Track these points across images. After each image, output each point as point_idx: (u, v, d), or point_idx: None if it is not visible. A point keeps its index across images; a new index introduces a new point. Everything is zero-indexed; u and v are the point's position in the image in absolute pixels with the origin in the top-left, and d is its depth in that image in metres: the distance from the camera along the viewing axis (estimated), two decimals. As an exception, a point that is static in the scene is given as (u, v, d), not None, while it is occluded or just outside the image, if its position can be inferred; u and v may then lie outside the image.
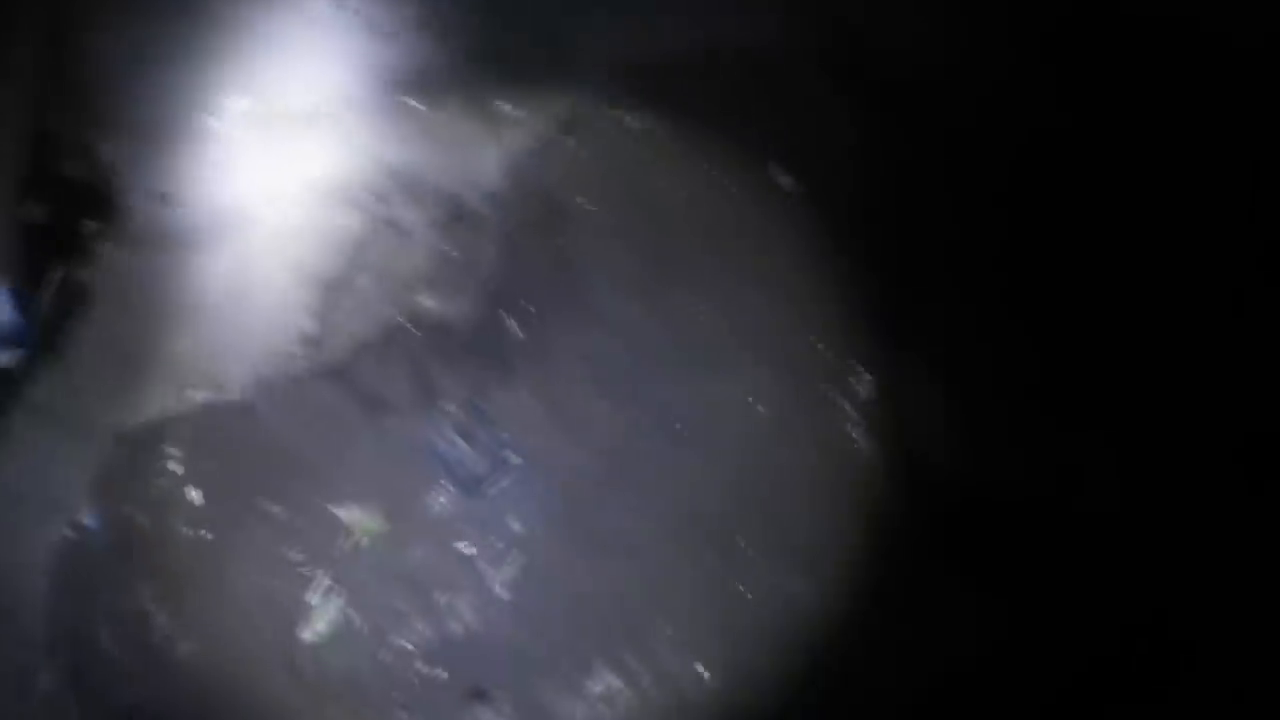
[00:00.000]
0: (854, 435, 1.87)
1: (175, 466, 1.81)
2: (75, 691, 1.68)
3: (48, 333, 1.92)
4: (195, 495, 1.78)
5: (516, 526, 1.78)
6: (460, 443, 1.82)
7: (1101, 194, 1.80)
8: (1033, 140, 1.89)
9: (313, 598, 1.72)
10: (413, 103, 2.13)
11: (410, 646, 1.71)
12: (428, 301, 1.96)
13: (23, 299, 1.88)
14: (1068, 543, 1.74)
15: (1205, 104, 1.67)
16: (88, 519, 1.77)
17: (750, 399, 1.90)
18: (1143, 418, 1.71)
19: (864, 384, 1.90)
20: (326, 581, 1.72)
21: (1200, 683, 1.52)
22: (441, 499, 1.79)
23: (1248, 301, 1.62)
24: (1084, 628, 1.67)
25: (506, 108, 2.14)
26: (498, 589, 1.75)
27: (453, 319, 1.95)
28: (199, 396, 1.87)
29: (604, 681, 1.69)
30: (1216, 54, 1.65)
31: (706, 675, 1.71)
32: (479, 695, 1.68)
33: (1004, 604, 1.74)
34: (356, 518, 1.76)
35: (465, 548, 1.77)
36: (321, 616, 1.71)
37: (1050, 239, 1.86)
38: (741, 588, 1.77)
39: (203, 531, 1.77)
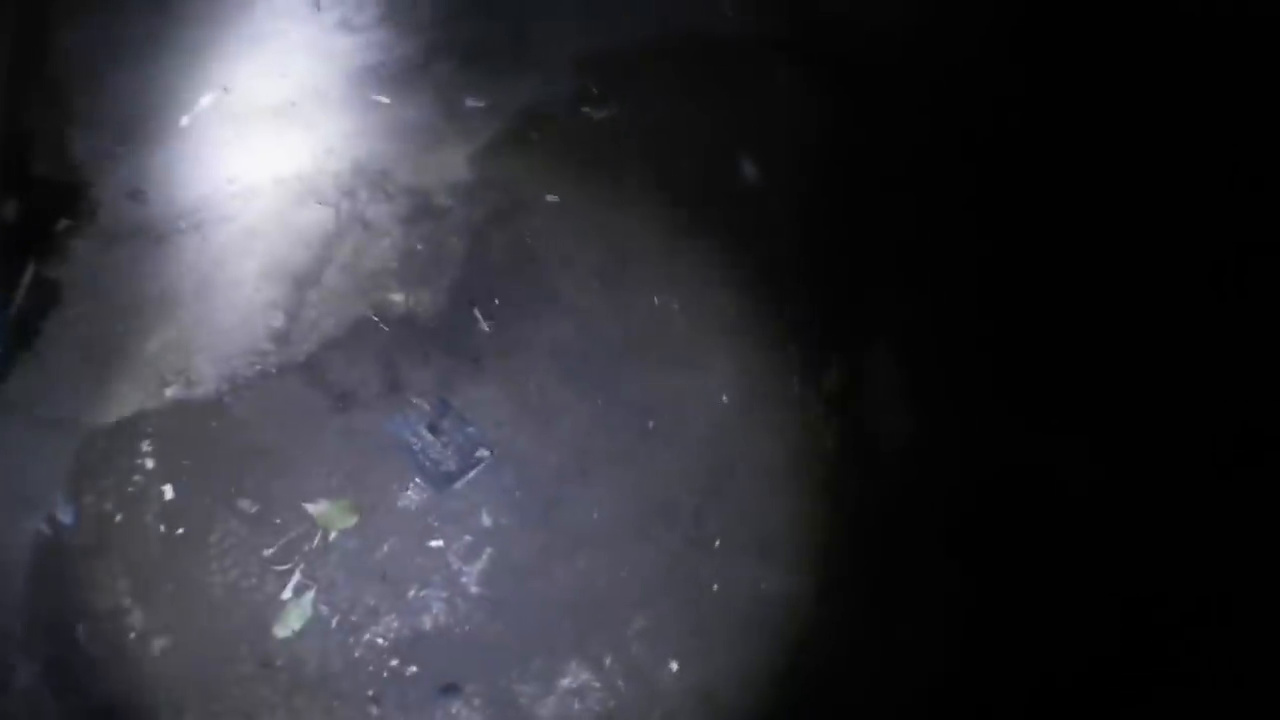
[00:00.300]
0: (822, 428, 1.87)
1: (148, 462, 1.83)
2: (52, 687, 1.68)
3: (20, 329, 1.90)
4: (168, 490, 1.80)
5: (487, 521, 1.79)
6: (430, 437, 1.83)
7: (1073, 184, 1.80)
8: (1004, 128, 1.88)
9: (285, 592, 1.72)
10: (380, 98, 2.11)
11: (382, 640, 1.72)
12: (396, 296, 1.96)
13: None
14: (1040, 529, 1.75)
15: (1179, 90, 1.66)
16: (62, 515, 1.78)
17: (719, 392, 1.89)
18: (1117, 406, 1.71)
19: (832, 377, 1.89)
20: (298, 576, 1.73)
21: (1195, 679, 1.51)
22: (412, 494, 1.82)
23: (1219, 294, 1.61)
24: (1065, 622, 1.67)
25: (472, 102, 2.13)
26: (469, 583, 1.77)
27: (421, 313, 1.96)
28: (171, 392, 1.88)
29: (575, 676, 1.71)
30: (1194, 36, 1.63)
31: (677, 669, 1.70)
32: (450, 689, 1.69)
33: (973, 593, 1.76)
34: (327, 512, 1.75)
35: (436, 542, 1.77)
36: (293, 611, 1.72)
37: (1022, 229, 1.87)
38: (713, 581, 1.78)
39: (176, 527, 1.77)
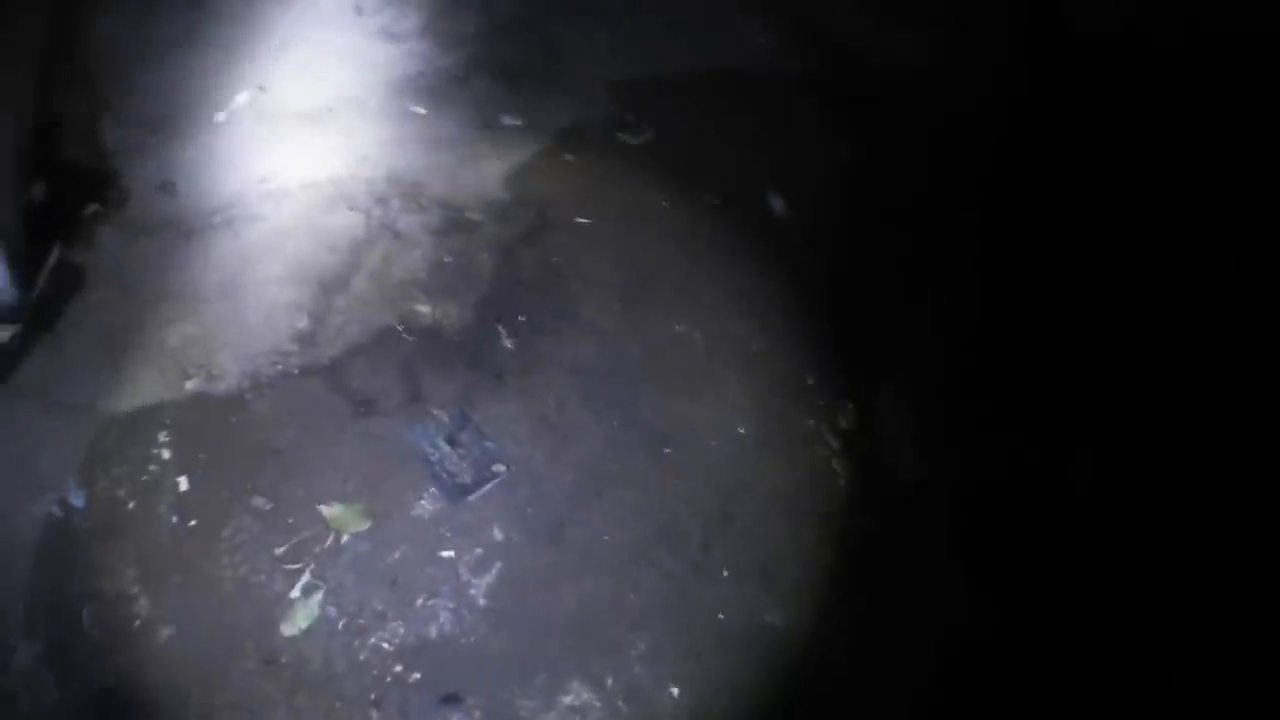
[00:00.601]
0: (836, 461, 1.91)
1: (164, 452, 1.88)
2: (53, 669, 1.73)
3: (42, 311, 1.95)
4: (183, 482, 1.86)
5: (499, 535, 1.84)
6: (447, 449, 1.88)
7: (1071, 214, 1.88)
8: (1011, 162, 1.95)
9: (293, 591, 1.77)
10: (418, 109, 2.17)
11: (387, 645, 1.77)
12: (422, 307, 2.02)
13: (20, 275, 1.90)
14: (1042, 534, 1.79)
15: (1182, 142, 1.74)
16: (74, 499, 1.82)
17: (735, 421, 1.94)
18: (1118, 414, 1.77)
19: (846, 410, 1.94)
20: (308, 576, 1.77)
21: (1195, 679, 1.56)
22: (426, 503, 1.87)
23: (1217, 301, 1.68)
24: (1065, 624, 1.73)
25: (508, 119, 2.18)
26: (477, 596, 1.82)
27: (446, 326, 2.02)
28: (191, 385, 1.94)
29: (577, 694, 1.76)
30: (1202, 81, 1.71)
31: (677, 693, 1.74)
32: (452, 699, 1.74)
33: (976, 599, 1.80)
34: (341, 515, 1.80)
35: (447, 553, 1.82)
36: (301, 610, 1.77)
37: (1023, 253, 1.94)
38: (717, 609, 1.83)
39: (189, 519, 1.81)
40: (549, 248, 2.12)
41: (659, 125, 2.24)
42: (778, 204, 2.15)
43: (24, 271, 2.00)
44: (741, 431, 2.00)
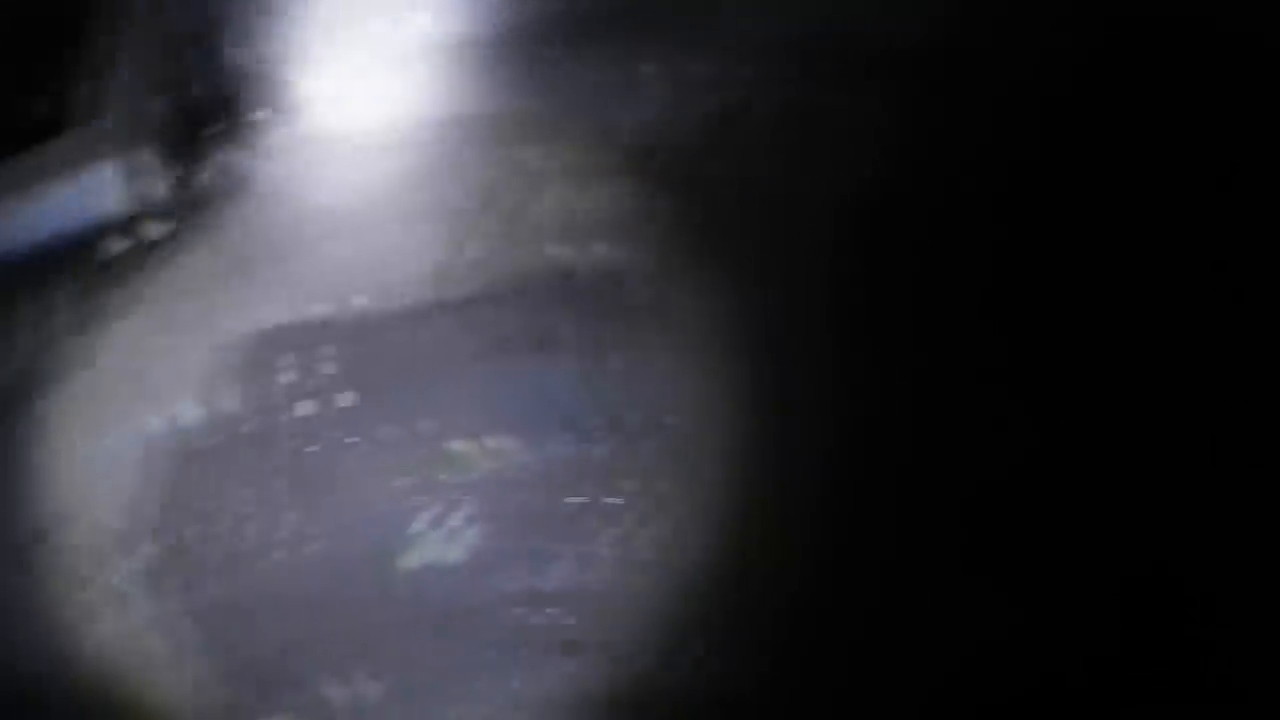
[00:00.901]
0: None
1: (285, 376, 1.84)
2: (149, 586, 1.70)
3: (192, 215, 1.93)
4: (305, 407, 1.82)
5: (630, 486, 1.82)
6: (580, 395, 1.84)
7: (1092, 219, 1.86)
8: (1040, 156, 1.93)
9: (414, 526, 1.74)
10: (557, 50, 2.14)
11: (508, 589, 1.74)
12: (556, 250, 1.97)
13: (177, 174, 1.90)
14: (1043, 531, 1.77)
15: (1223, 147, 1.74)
16: (189, 417, 1.79)
17: (894, 385, 1.90)
18: (1120, 412, 1.75)
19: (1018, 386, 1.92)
20: (430, 513, 1.74)
21: (1198, 680, 1.56)
22: (557, 448, 1.82)
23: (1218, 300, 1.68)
24: (1065, 623, 1.70)
25: (646, 67, 2.15)
26: (604, 546, 1.78)
27: (580, 271, 1.99)
28: (317, 310, 1.89)
29: (701, 652, 1.71)
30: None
31: (805, 656, 1.72)
32: (570, 647, 1.72)
33: (979, 625, 1.77)
34: (468, 453, 1.78)
35: (576, 499, 1.77)
36: (421, 545, 1.74)
37: (1044, 264, 1.90)
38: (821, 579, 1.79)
39: (309, 444, 1.78)
40: (689, 199, 2.09)
41: (801, 90, 2.21)
42: (936, 178, 2.11)
43: (181, 170, 1.99)
44: (868, 400, 1.95)
